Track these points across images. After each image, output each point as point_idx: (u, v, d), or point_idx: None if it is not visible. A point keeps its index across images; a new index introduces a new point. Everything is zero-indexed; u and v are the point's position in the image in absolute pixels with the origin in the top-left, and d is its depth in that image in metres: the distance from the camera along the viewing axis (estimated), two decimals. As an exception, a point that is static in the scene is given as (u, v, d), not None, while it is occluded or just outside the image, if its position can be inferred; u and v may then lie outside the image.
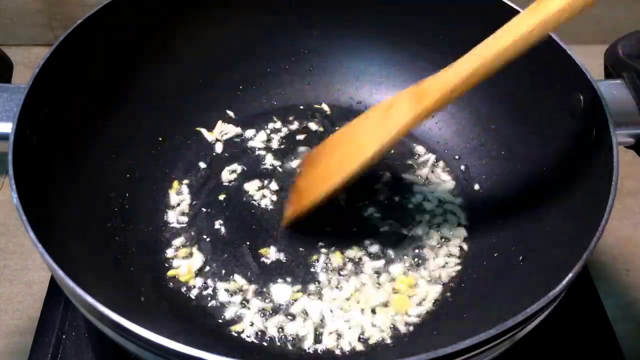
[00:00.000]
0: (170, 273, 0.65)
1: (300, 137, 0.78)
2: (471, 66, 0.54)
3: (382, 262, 0.67)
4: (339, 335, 0.62)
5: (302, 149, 0.77)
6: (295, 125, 0.80)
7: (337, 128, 0.79)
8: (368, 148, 0.59)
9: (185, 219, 0.70)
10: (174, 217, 0.70)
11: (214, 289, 0.65)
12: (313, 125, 0.80)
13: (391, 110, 0.58)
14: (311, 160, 0.69)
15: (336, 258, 0.67)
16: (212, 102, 0.79)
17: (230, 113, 0.80)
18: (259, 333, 0.62)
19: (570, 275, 0.50)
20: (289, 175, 0.75)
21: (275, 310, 0.63)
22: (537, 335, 0.54)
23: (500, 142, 0.74)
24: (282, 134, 0.79)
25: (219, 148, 0.77)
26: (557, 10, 0.50)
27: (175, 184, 0.73)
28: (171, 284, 0.65)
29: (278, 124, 0.80)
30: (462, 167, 0.76)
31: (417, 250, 0.68)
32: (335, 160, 0.63)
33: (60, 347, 0.65)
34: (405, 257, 0.68)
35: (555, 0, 0.50)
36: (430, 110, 0.56)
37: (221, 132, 0.78)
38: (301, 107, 0.82)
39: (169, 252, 0.67)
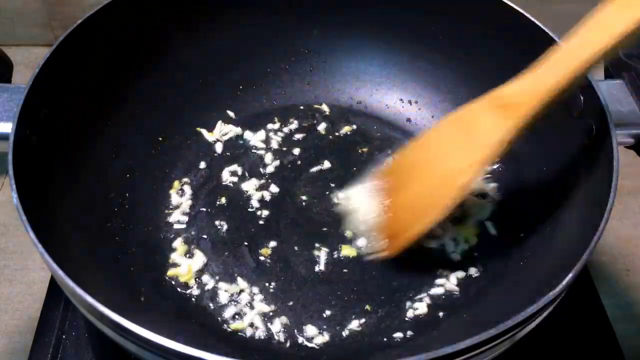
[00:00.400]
0: (170, 273, 0.65)
1: (300, 137, 0.78)
2: (568, 66, 0.46)
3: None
4: (339, 334, 0.62)
5: (299, 149, 0.77)
6: (295, 125, 0.80)
7: (337, 128, 0.79)
8: (460, 177, 0.51)
9: (185, 218, 0.70)
10: (174, 217, 0.70)
11: (214, 289, 0.65)
12: (313, 126, 0.80)
13: (474, 127, 0.50)
14: (392, 185, 0.59)
15: (335, 256, 0.67)
16: (212, 102, 0.79)
17: (231, 113, 0.80)
18: (259, 333, 0.62)
19: (570, 275, 0.50)
20: (289, 175, 0.75)
21: (275, 310, 0.63)
22: (537, 335, 0.54)
23: (500, 142, 0.74)
24: (282, 134, 0.79)
25: (219, 148, 0.77)
26: None
27: (176, 184, 0.73)
28: (171, 284, 0.65)
29: (278, 124, 0.80)
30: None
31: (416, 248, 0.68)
32: (423, 189, 0.55)
33: (60, 347, 0.65)
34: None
35: None
36: (522, 126, 0.48)
37: (221, 132, 0.78)
38: (301, 107, 0.82)
39: (169, 252, 0.67)
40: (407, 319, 0.63)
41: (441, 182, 0.53)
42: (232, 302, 0.64)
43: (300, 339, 0.61)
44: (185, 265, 0.66)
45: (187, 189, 0.73)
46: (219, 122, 0.78)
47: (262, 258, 0.67)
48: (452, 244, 0.68)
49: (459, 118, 0.53)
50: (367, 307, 0.64)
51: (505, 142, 0.49)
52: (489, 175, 0.72)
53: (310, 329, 0.62)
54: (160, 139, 0.75)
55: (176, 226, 0.69)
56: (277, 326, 0.62)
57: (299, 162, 0.76)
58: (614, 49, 0.45)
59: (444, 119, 0.56)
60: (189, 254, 0.67)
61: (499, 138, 0.49)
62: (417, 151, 0.59)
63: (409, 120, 0.81)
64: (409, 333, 0.62)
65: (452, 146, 0.53)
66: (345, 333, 0.62)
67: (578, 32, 0.47)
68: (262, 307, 0.63)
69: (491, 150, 0.50)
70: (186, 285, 0.65)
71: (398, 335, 0.62)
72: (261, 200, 0.72)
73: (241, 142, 0.78)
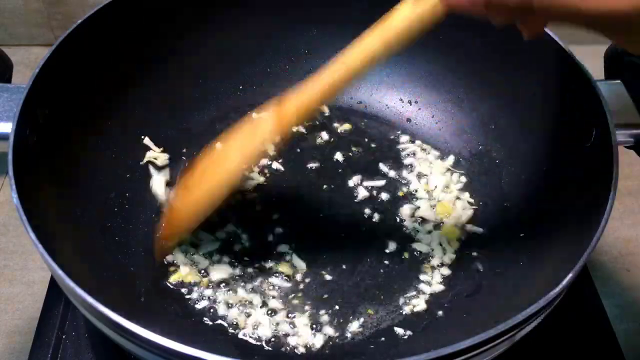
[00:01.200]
0: (170, 274, 0.65)
1: (300, 137, 0.78)
2: (318, 87, 0.57)
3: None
4: (339, 333, 0.62)
5: (299, 149, 0.77)
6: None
7: (337, 128, 0.80)
8: (233, 163, 0.61)
9: (185, 218, 0.70)
10: (174, 217, 0.70)
11: (215, 289, 0.65)
12: (313, 126, 0.80)
13: (257, 127, 0.60)
14: (185, 183, 0.65)
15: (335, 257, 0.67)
16: (212, 102, 0.79)
17: (231, 113, 0.80)
18: (260, 333, 0.62)
19: (570, 275, 0.50)
20: (288, 175, 0.75)
21: (275, 310, 0.63)
22: (537, 335, 0.54)
23: (500, 142, 0.74)
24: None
25: (218, 150, 0.77)
26: (399, 28, 0.52)
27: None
28: (171, 284, 0.65)
29: (278, 124, 0.80)
30: (462, 167, 0.76)
31: (415, 248, 0.68)
32: (206, 178, 0.62)
33: (60, 347, 0.65)
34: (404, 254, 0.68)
35: (397, 19, 0.52)
36: (288, 127, 0.59)
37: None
38: (301, 107, 0.81)
39: (169, 252, 0.67)
40: (406, 319, 0.63)
41: (218, 171, 0.62)
42: (232, 302, 0.64)
43: (301, 340, 0.61)
44: (185, 265, 0.66)
45: (187, 189, 0.72)
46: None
47: (261, 257, 0.67)
48: (439, 248, 0.68)
49: (253, 121, 0.61)
50: (367, 307, 0.64)
51: (273, 138, 0.59)
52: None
53: (310, 330, 0.62)
54: (160, 138, 0.75)
55: (176, 226, 0.69)
56: (277, 326, 0.62)
57: (299, 162, 0.76)
58: (364, 68, 0.56)
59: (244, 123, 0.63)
60: (189, 254, 0.67)
61: (268, 136, 0.59)
62: (214, 152, 0.65)
63: (409, 120, 0.81)
64: (409, 333, 0.62)
65: (238, 143, 0.61)
66: (345, 334, 0.62)
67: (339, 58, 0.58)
68: (262, 307, 0.63)
69: (260, 145, 0.60)
70: (186, 285, 0.65)
71: (398, 335, 0.62)
72: (261, 200, 0.72)
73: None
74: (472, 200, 0.73)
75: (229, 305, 0.63)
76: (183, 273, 0.65)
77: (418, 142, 0.78)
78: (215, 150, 0.63)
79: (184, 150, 0.76)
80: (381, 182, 0.74)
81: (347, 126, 0.80)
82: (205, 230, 0.69)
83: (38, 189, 0.56)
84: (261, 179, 0.74)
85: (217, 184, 0.61)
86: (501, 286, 0.63)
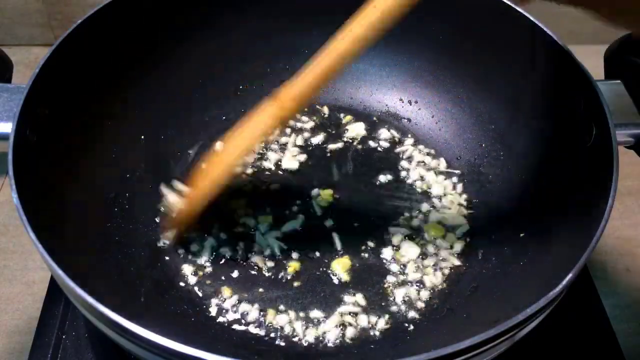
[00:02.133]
0: (170, 273, 0.65)
1: (300, 137, 0.78)
2: (311, 75, 0.58)
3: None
4: (338, 333, 0.62)
5: (298, 149, 0.77)
6: (295, 125, 0.80)
7: (337, 128, 0.79)
8: (233, 156, 0.62)
9: (185, 219, 0.70)
10: (174, 217, 0.70)
11: (215, 289, 0.65)
12: (313, 125, 0.80)
13: (257, 119, 0.61)
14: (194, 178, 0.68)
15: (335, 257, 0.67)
16: (212, 102, 0.79)
17: (230, 113, 0.80)
18: (260, 333, 0.62)
19: (570, 275, 0.50)
20: (288, 175, 0.75)
21: (276, 311, 0.63)
22: (537, 335, 0.54)
23: (500, 142, 0.74)
24: (281, 134, 0.79)
25: (219, 148, 0.77)
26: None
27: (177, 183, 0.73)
28: (171, 284, 0.65)
29: (278, 124, 0.80)
30: (463, 167, 0.76)
31: (415, 248, 0.68)
32: (211, 169, 0.65)
33: (60, 347, 0.65)
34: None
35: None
36: (287, 116, 0.60)
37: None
38: (301, 107, 0.81)
39: (169, 252, 0.67)
40: (406, 319, 0.63)
41: (220, 161, 0.64)
42: (232, 302, 0.64)
43: (302, 340, 0.61)
44: (186, 264, 0.66)
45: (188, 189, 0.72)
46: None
47: (262, 257, 0.67)
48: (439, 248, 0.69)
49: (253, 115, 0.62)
50: (367, 308, 0.64)
51: (271, 129, 0.60)
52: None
53: (311, 330, 0.62)
54: (160, 138, 0.75)
55: (176, 226, 0.69)
56: (277, 327, 0.62)
57: (299, 162, 0.76)
58: (337, 65, 0.57)
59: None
60: (189, 253, 0.67)
61: (266, 126, 0.60)
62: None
63: (409, 120, 0.81)
64: (408, 333, 0.62)
65: (239, 136, 0.62)
66: (344, 333, 0.62)
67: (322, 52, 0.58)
68: (262, 307, 0.63)
69: (259, 134, 0.61)
70: (186, 285, 0.65)
71: (398, 335, 0.62)
72: (261, 199, 0.72)
73: (241, 142, 0.78)
74: (472, 201, 0.73)
75: (230, 304, 0.63)
76: (184, 272, 0.65)
77: (418, 142, 0.78)
78: (220, 146, 0.64)
79: (184, 151, 0.76)
80: (380, 182, 0.74)
81: (347, 126, 0.80)
82: (205, 230, 0.69)
83: (38, 189, 0.56)
84: (249, 177, 0.74)
85: (217, 176, 0.62)
86: (501, 286, 0.63)
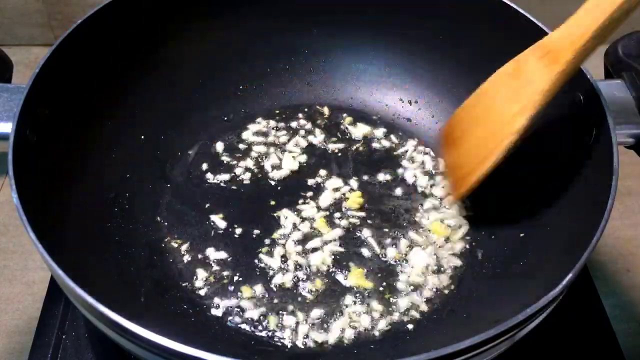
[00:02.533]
0: (170, 273, 0.65)
1: (300, 137, 0.78)
2: (605, 8, 0.48)
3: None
4: (339, 333, 0.62)
5: (299, 149, 0.77)
6: (295, 125, 0.80)
7: (337, 128, 0.80)
8: (513, 123, 0.56)
9: (185, 218, 0.70)
10: (174, 217, 0.70)
11: (215, 289, 0.65)
12: (313, 126, 0.80)
13: (523, 77, 0.54)
14: (450, 136, 0.65)
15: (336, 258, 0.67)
16: (212, 102, 0.79)
17: (230, 113, 0.80)
18: (260, 333, 0.62)
19: (570, 275, 0.50)
20: (288, 174, 0.75)
21: (276, 311, 0.63)
22: (537, 335, 0.54)
23: (500, 142, 0.74)
24: (282, 134, 0.79)
25: (219, 147, 0.77)
26: None
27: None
28: (171, 283, 0.65)
29: (278, 124, 0.80)
30: (462, 167, 0.76)
31: (416, 248, 0.68)
32: (480, 137, 0.60)
33: (60, 347, 0.65)
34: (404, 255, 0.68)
35: None
36: (569, 72, 0.52)
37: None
38: (301, 107, 0.82)
39: (169, 252, 0.67)
40: (406, 319, 0.63)
41: (498, 128, 0.59)
42: (232, 302, 0.64)
43: (302, 340, 0.61)
44: (186, 264, 0.66)
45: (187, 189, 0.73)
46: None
47: (263, 257, 0.67)
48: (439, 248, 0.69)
49: (507, 70, 0.57)
50: (367, 308, 0.64)
51: (553, 87, 0.53)
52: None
53: (311, 330, 0.62)
54: (160, 138, 0.75)
55: (176, 226, 0.69)
56: (277, 327, 0.62)
57: (299, 162, 0.76)
58: None
59: (496, 73, 0.59)
60: (189, 253, 0.67)
61: (545, 85, 0.53)
62: (474, 102, 0.63)
63: (409, 120, 0.81)
64: (408, 333, 0.62)
65: (504, 96, 0.57)
66: (344, 333, 0.62)
67: None
68: (263, 307, 0.63)
69: (540, 97, 0.54)
70: (186, 285, 0.65)
71: (398, 335, 0.62)
72: (260, 198, 0.72)
73: (241, 142, 0.78)
74: (472, 201, 0.73)
75: (230, 304, 0.63)
76: (183, 272, 0.65)
77: (418, 142, 0.78)
78: (477, 99, 0.59)
79: (184, 151, 0.76)
80: (380, 182, 0.74)
81: (346, 126, 0.80)
82: (205, 229, 0.69)
83: (38, 189, 0.56)
84: (248, 176, 0.74)
85: (494, 142, 0.58)
86: (501, 286, 0.63)
